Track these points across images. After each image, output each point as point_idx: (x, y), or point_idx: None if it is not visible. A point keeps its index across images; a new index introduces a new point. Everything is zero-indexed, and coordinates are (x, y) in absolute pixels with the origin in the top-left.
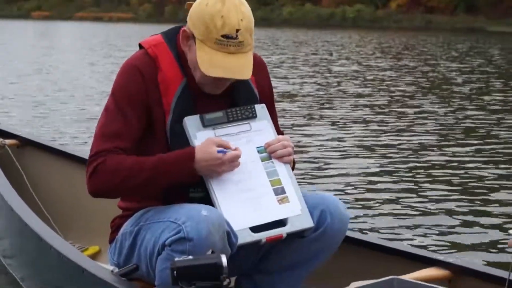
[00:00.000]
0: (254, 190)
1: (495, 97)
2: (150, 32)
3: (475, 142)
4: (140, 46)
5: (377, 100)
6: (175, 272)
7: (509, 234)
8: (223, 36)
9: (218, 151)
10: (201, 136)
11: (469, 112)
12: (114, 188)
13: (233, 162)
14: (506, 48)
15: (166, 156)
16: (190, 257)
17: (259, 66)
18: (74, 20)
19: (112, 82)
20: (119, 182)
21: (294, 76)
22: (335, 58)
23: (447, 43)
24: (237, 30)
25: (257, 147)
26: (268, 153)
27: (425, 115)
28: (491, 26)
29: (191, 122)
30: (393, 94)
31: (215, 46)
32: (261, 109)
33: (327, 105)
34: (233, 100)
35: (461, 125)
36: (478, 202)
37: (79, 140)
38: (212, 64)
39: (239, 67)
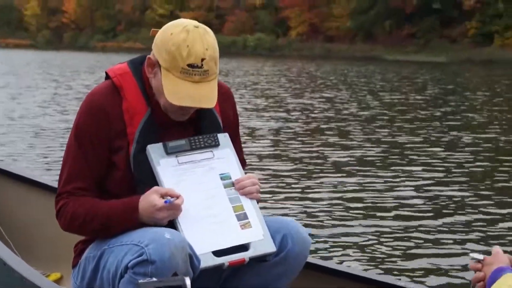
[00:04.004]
0: (217, 216)
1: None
2: (50, 59)
3: (437, 162)
4: (106, 74)
5: (332, 128)
6: None
7: (471, 258)
8: (188, 65)
9: (165, 201)
10: (164, 163)
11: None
12: (76, 231)
13: (172, 210)
14: (435, 77)
15: (114, 206)
16: (154, 279)
17: (224, 95)
18: None
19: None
20: (78, 227)
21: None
22: (278, 86)
23: (370, 72)
24: (202, 59)
25: (220, 174)
26: (237, 189)
27: (386, 139)
28: (388, 55)
29: (154, 150)
30: (347, 120)
31: (180, 75)
32: (223, 137)
33: (283, 135)
34: (197, 129)
35: (426, 146)
36: (438, 226)
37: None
38: (178, 93)
39: (204, 96)
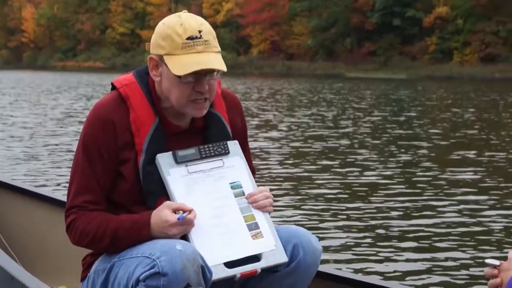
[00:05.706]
0: (228, 226)
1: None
2: (9, 79)
3: (443, 184)
4: (112, 85)
5: (331, 147)
6: None
7: (486, 264)
8: (187, 38)
9: (178, 218)
10: (174, 173)
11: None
12: (87, 246)
13: (185, 226)
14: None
15: (125, 222)
16: None
17: (232, 102)
18: None
19: None
20: (88, 243)
21: None
22: (257, 104)
23: (340, 89)
24: (199, 31)
25: (230, 183)
26: (250, 203)
27: (388, 158)
28: (349, 72)
29: (163, 159)
30: (346, 137)
31: (183, 51)
32: (233, 145)
33: (283, 155)
34: (206, 137)
35: (422, 158)
36: (453, 234)
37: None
38: (184, 64)
39: (211, 60)
